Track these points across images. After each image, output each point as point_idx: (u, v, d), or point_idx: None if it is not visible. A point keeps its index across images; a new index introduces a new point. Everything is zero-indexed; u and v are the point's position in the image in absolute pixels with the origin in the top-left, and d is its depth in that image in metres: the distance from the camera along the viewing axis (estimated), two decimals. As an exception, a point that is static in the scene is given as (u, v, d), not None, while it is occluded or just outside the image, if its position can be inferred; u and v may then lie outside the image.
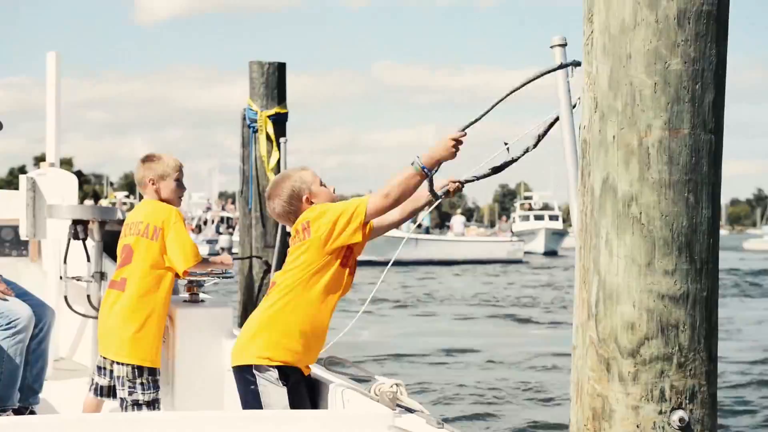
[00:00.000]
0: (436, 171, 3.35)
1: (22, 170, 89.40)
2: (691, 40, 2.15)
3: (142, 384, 4.33)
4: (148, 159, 4.49)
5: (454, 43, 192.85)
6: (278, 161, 8.35)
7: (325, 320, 3.51)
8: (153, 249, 4.29)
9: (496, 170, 3.46)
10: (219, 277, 4.68)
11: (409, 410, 3.08)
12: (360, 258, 3.60)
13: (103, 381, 4.45)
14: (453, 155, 3.30)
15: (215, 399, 4.40)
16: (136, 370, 4.32)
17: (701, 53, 2.16)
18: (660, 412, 2.17)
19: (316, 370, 3.66)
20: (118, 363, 4.33)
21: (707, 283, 2.19)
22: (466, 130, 3.32)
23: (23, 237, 5.83)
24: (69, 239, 5.44)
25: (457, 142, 3.29)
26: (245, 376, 3.47)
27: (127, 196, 58.27)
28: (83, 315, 5.59)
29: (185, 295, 4.75)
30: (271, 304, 3.48)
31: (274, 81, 8.60)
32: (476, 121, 3.40)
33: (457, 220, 45.49)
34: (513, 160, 3.42)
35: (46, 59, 6.40)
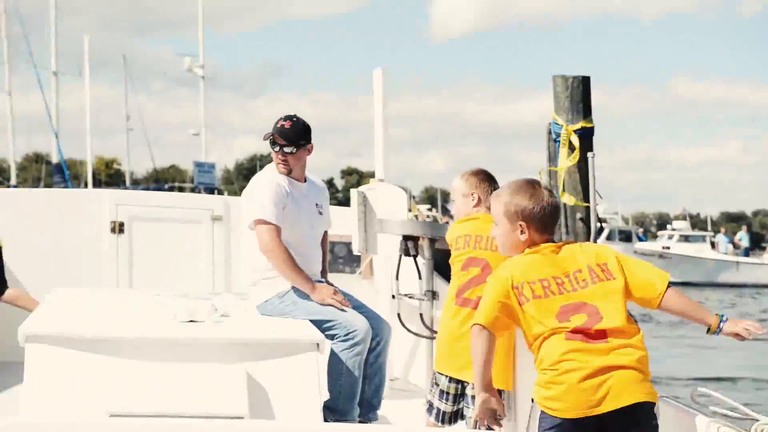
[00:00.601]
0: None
1: (330, 183, 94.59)
2: None
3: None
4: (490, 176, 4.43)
5: (754, 55, 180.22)
6: (576, 166, 7.96)
7: None
8: None
9: None
10: None
11: None
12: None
13: (447, 407, 4.20)
14: (747, 336, 3.17)
15: None
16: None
17: None
18: None
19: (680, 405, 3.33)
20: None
21: None
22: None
23: (355, 252, 5.90)
24: (400, 255, 5.44)
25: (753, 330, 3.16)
26: (649, 413, 3.13)
27: (429, 209, 59.81)
28: (416, 334, 5.52)
29: None
30: (637, 339, 3.17)
31: (579, 95, 8.34)
32: None
33: (782, 241, 41.99)
34: None
35: (372, 76, 6.49)
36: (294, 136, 4.66)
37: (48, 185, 43.77)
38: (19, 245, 6.76)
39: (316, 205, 4.84)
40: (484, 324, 3.17)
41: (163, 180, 58.81)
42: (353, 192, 5.91)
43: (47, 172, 46.94)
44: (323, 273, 4.95)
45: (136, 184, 55.95)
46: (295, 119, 4.71)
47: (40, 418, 1.78)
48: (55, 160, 43.07)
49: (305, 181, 4.83)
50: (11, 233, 6.78)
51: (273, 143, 4.68)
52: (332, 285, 4.70)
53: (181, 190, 42.47)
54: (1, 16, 41.55)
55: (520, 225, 3.23)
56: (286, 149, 4.66)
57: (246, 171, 72.22)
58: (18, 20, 43.11)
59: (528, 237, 3.23)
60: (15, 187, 40.74)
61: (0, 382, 5.78)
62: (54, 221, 6.90)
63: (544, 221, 3.24)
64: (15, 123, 44.98)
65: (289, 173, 4.70)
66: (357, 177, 77.78)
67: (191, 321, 4.24)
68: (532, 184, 3.29)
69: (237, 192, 48.44)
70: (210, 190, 40.02)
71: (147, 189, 37.23)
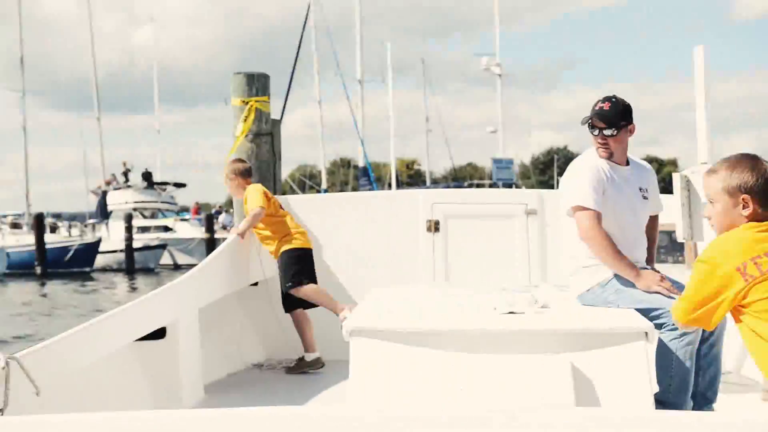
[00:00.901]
0: None
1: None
2: None
3: None
4: None
5: None
6: None
7: None
8: None
9: None
10: None
11: None
12: None
13: None
14: None
15: None
16: None
17: None
18: None
19: None
20: None
21: None
22: None
23: (679, 239, 5.64)
24: None
25: None
26: None
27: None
28: None
29: None
30: None
31: None
32: None
33: None
34: None
35: (693, 54, 6.18)
36: (614, 117, 4.47)
37: (354, 188, 46.10)
38: (340, 247, 7.09)
39: (640, 189, 4.61)
40: (683, 322, 3.18)
41: (461, 178, 59.97)
42: (675, 176, 5.64)
43: (353, 175, 49.46)
44: (649, 260, 4.70)
45: (435, 183, 57.50)
46: (614, 100, 4.51)
47: (367, 410, 1.81)
48: (360, 163, 45.25)
49: (627, 164, 4.62)
50: (332, 236, 7.12)
51: (591, 127, 4.52)
52: (658, 272, 4.46)
53: (479, 186, 43.09)
54: (312, 31, 44.32)
55: (743, 199, 2.97)
56: (606, 132, 4.47)
57: (542, 165, 71.94)
58: (326, 34, 45.95)
59: (751, 212, 2.96)
60: (325, 191, 43.32)
61: (327, 379, 6.10)
62: (371, 222, 7.16)
63: None
64: (324, 130, 47.79)
65: (609, 157, 4.52)
66: (656, 165, 75.15)
67: (511, 312, 4.20)
68: (750, 158, 3.03)
69: (534, 186, 48.54)
70: (508, 185, 40.30)
71: (447, 187, 38.11)
